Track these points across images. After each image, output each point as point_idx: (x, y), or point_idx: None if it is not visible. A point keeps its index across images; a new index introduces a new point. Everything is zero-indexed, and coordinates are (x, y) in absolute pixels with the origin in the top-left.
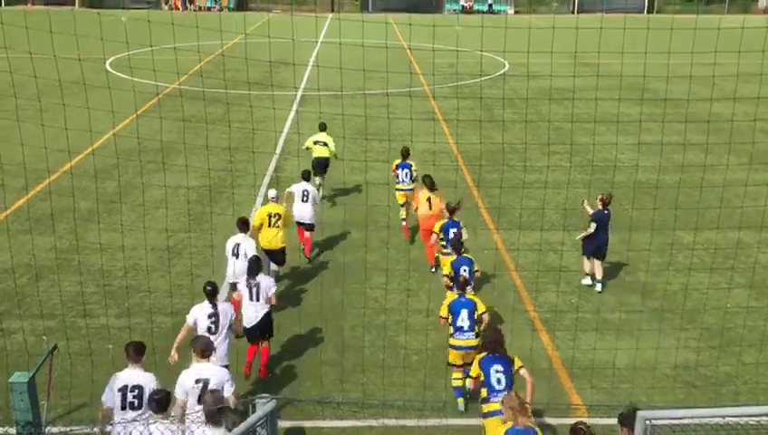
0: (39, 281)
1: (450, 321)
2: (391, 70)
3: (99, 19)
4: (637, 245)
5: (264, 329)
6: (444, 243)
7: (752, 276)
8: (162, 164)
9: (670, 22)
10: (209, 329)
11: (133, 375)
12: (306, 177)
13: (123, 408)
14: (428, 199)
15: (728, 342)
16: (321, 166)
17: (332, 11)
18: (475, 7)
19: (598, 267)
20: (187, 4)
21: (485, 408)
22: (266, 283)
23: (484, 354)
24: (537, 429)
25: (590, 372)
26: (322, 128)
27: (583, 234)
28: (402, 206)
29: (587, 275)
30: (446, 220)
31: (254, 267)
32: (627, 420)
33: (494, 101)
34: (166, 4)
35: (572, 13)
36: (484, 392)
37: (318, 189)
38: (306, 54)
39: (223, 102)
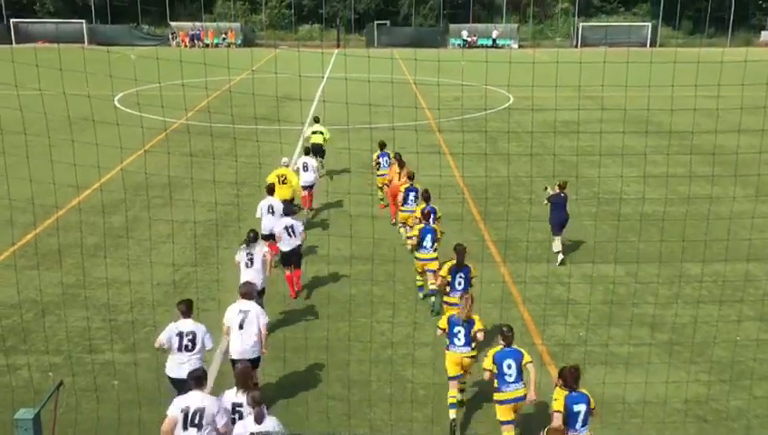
0: (45, 316)
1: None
2: (397, 104)
3: (108, 57)
4: (644, 277)
5: (296, 256)
6: (402, 206)
7: (761, 309)
8: (169, 199)
9: (673, 55)
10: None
11: (188, 324)
12: (306, 152)
13: (179, 349)
14: (398, 173)
15: (739, 375)
16: (318, 150)
17: (338, 46)
18: (479, 42)
19: (556, 240)
20: (195, 41)
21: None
22: (297, 223)
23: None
24: None
25: (599, 406)
26: (317, 120)
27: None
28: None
29: (558, 252)
30: (408, 185)
31: (288, 211)
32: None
33: (499, 134)
34: (173, 40)
35: (575, 47)
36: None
37: (316, 171)
38: (312, 90)
39: (230, 137)
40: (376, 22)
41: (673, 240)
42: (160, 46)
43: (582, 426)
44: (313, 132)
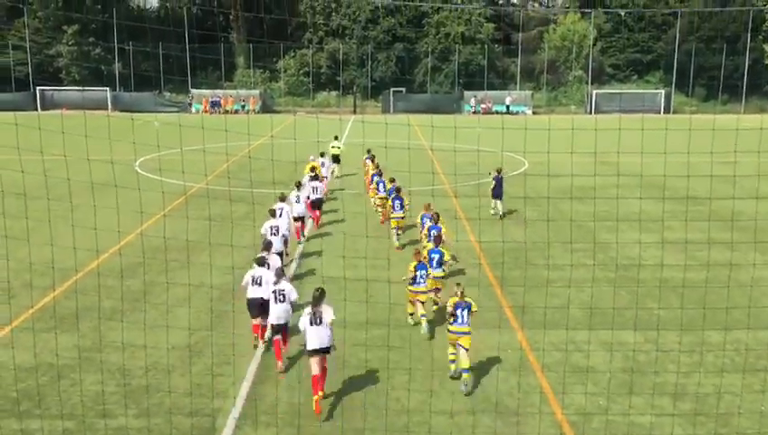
0: (60, 380)
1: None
2: (414, 170)
3: (131, 123)
4: (665, 344)
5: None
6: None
7: None
8: (187, 262)
9: (688, 121)
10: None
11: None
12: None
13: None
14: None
15: None
16: (336, 159)
17: (354, 113)
18: (494, 108)
19: (498, 205)
20: (215, 108)
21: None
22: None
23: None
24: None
25: None
26: (336, 138)
27: (491, 187)
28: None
29: (492, 209)
30: (379, 178)
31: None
32: None
33: (515, 199)
34: (190, 106)
35: (589, 113)
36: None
37: (333, 171)
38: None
39: (248, 202)
40: (392, 89)
41: (693, 307)
42: (182, 113)
43: None
44: (333, 146)
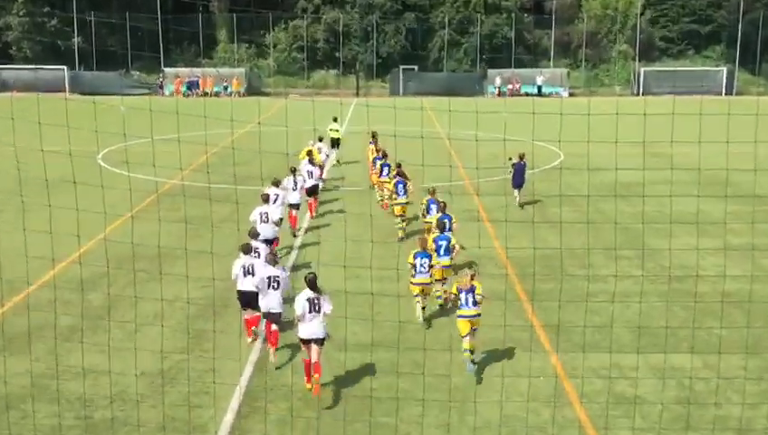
0: (9, 411)
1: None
2: (428, 163)
3: (93, 108)
4: (727, 370)
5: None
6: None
7: None
8: (158, 272)
9: (754, 105)
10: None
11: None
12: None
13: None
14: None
15: None
16: (335, 142)
17: (357, 95)
18: (523, 90)
19: (516, 194)
20: (193, 90)
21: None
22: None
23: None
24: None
25: None
26: (335, 119)
27: (509, 175)
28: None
29: (515, 198)
30: (384, 160)
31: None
32: None
33: (549, 198)
34: (161, 88)
35: (636, 95)
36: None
37: (328, 156)
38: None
39: (231, 201)
40: (402, 67)
41: (761, 326)
42: (153, 96)
43: None
44: (331, 129)
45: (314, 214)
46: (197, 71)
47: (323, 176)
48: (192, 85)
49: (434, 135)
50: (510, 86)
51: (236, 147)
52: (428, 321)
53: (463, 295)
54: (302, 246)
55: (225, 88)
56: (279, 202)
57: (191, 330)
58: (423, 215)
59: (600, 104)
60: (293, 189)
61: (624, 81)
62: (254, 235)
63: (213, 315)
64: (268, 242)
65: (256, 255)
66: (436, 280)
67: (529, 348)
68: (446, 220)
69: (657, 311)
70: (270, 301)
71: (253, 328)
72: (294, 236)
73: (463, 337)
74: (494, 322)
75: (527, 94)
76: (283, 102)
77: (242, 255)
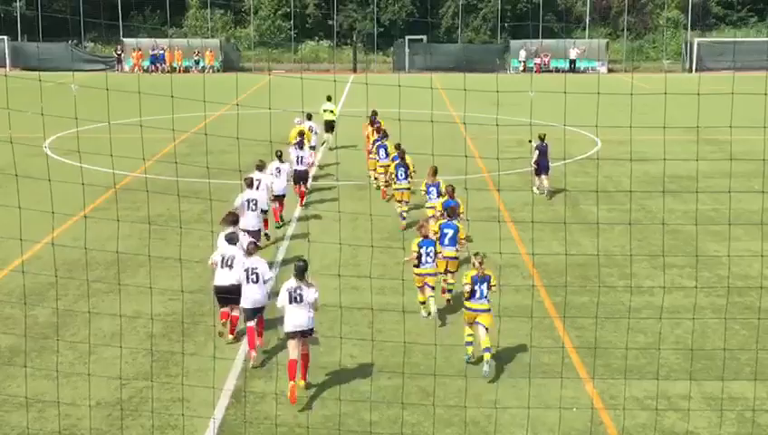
0: None
1: (470, 290)
2: (438, 151)
3: (39, 87)
4: None
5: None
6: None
7: None
8: (117, 283)
9: None
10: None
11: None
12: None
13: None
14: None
15: None
16: (329, 126)
17: (354, 71)
18: (552, 64)
19: (544, 181)
20: (158, 64)
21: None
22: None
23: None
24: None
25: None
26: (329, 99)
27: (533, 159)
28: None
29: (536, 187)
30: (383, 141)
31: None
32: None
33: (583, 193)
34: (119, 62)
35: (689, 71)
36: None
37: (324, 142)
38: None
39: (203, 197)
40: (407, 37)
41: None
42: (110, 71)
43: None
44: (325, 110)
45: (303, 203)
46: (163, 42)
47: (314, 162)
48: (157, 59)
49: (446, 119)
50: (537, 60)
51: (210, 133)
52: (441, 315)
53: (477, 286)
54: (291, 240)
55: (197, 62)
56: (264, 189)
57: (156, 351)
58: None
59: (644, 82)
60: (278, 177)
61: (674, 54)
62: (233, 220)
63: (182, 335)
64: (250, 233)
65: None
66: (438, 272)
67: (560, 374)
68: (454, 206)
69: (712, 328)
70: (250, 296)
71: (223, 322)
72: (277, 226)
73: (468, 333)
74: (519, 342)
75: (557, 70)
76: (266, 80)
77: (225, 244)
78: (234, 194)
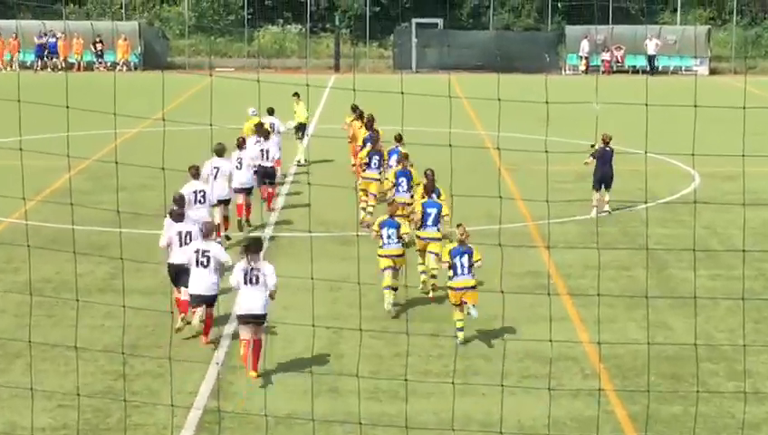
0: None
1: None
2: (461, 186)
3: None
4: None
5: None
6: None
7: None
8: None
9: None
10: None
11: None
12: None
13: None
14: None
15: None
16: (300, 129)
17: (337, 70)
18: (628, 62)
19: (604, 197)
20: (46, 59)
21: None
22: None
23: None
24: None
25: None
26: (296, 95)
27: (587, 161)
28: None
29: (594, 207)
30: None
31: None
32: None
33: (674, 253)
34: None
35: None
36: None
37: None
38: (287, 153)
39: (111, 255)
40: (415, 21)
41: None
42: None
43: None
44: (295, 111)
45: (271, 207)
46: (54, 25)
47: (279, 169)
48: (45, 50)
49: (471, 141)
50: (606, 56)
51: (122, 161)
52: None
53: (457, 260)
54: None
55: (101, 55)
56: (221, 179)
57: None
58: (391, 193)
59: (763, 89)
60: (238, 168)
61: None
62: (179, 201)
63: None
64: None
65: (197, 225)
66: (419, 251)
67: None
68: (432, 208)
69: None
70: (199, 281)
71: (182, 315)
72: (240, 230)
73: (458, 318)
74: None
75: (634, 70)
76: (207, 82)
77: (172, 222)
78: (152, 247)
